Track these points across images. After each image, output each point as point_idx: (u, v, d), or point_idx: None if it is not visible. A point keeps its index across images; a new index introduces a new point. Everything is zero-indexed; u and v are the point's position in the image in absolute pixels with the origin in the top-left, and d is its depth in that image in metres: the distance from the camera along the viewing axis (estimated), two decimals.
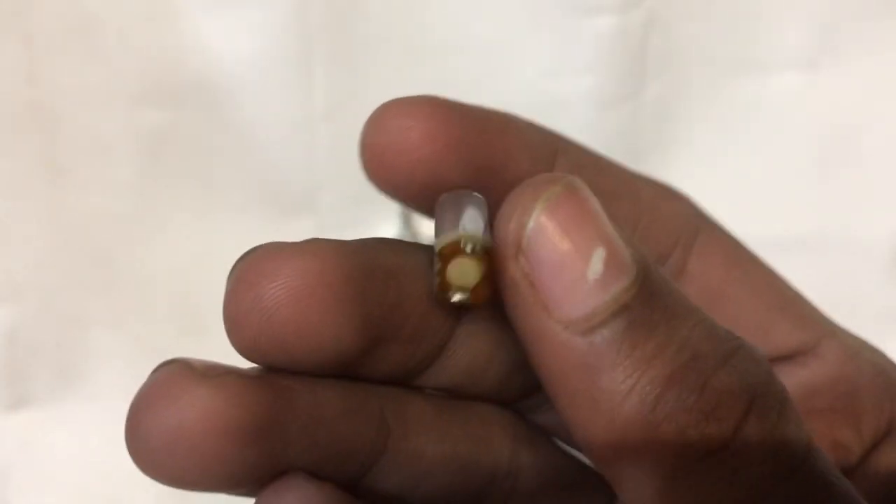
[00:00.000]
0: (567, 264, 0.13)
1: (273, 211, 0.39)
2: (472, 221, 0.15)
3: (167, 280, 0.39)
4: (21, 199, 0.38)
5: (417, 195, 0.17)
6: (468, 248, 0.14)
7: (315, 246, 0.14)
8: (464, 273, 0.14)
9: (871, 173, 0.40)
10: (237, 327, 0.14)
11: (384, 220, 0.39)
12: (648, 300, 0.13)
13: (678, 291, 0.14)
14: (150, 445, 0.13)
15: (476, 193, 0.16)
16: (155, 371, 0.14)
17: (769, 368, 0.14)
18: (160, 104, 0.38)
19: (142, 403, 0.14)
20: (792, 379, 0.19)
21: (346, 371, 0.15)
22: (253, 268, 0.14)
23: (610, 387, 0.13)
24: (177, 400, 0.13)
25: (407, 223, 0.40)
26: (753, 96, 0.40)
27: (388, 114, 0.16)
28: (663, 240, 0.19)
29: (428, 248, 0.16)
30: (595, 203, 0.14)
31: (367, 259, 0.15)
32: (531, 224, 0.14)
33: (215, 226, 0.39)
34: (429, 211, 0.17)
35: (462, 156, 0.16)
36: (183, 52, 0.37)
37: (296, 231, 0.41)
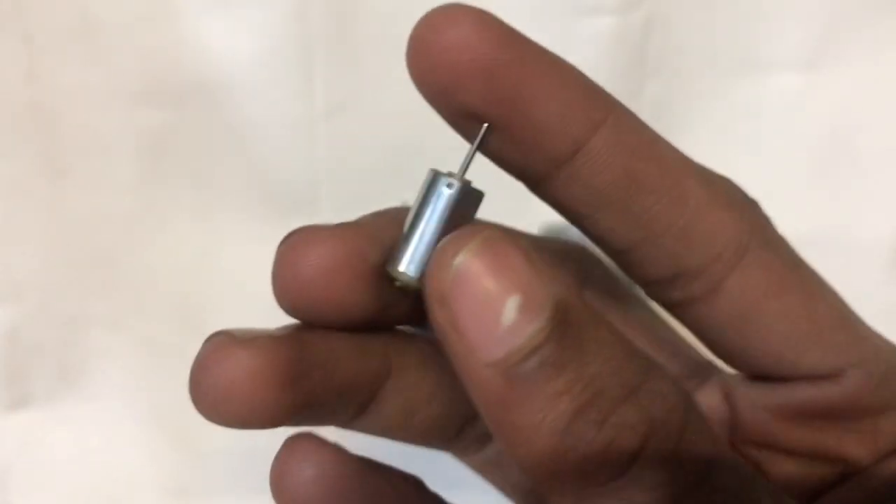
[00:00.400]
0: (483, 313, 0.15)
1: (273, 211, 0.39)
2: (423, 252, 0.17)
3: (167, 280, 0.39)
4: (21, 199, 0.38)
5: (444, 101, 0.18)
6: (398, 285, 0.18)
7: (342, 230, 0.18)
8: (402, 288, 0.18)
9: (871, 174, 0.40)
10: (281, 296, 0.18)
11: None
12: (561, 340, 0.15)
13: (600, 324, 0.16)
14: (207, 398, 0.17)
15: (456, 182, 0.17)
16: (205, 342, 0.18)
17: (676, 398, 0.16)
18: (160, 104, 0.38)
19: (198, 367, 0.17)
20: (809, 398, 0.20)
21: (364, 326, 0.19)
22: (292, 249, 0.18)
23: (525, 420, 0.15)
24: (223, 362, 0.17)
25: None
26: (753, 97, 0.40)
27: (442, 12, 0.17)
28: (700, 250, 0.18)
29: None
30: (513, 250, 0.16)
31: (383, 239, 0.18)
32: (451, 277, 0.16)
33: (215, 226, 0.39)
34: (450, 121, 0.18)
35: (491, 80, 0.17)
36: (183, 52, 0.37)
37: None
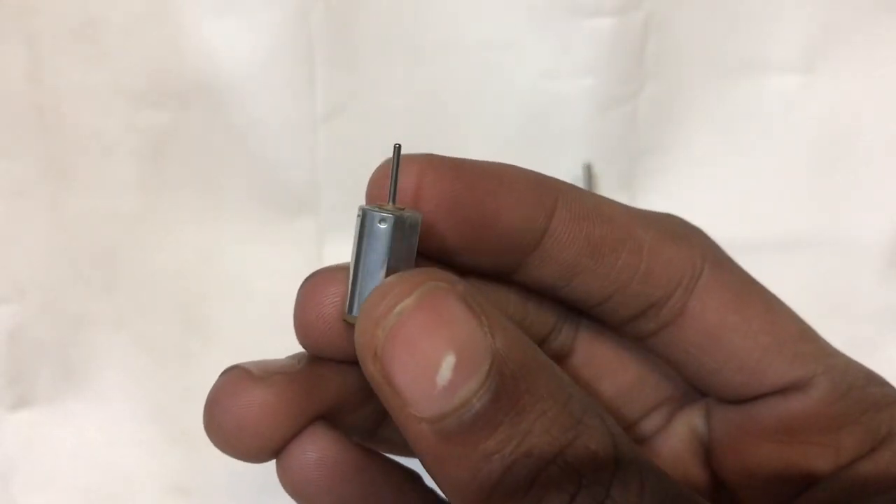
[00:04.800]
0: (418, 371, 0.15)
1: (274, 211, 0.40)
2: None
3: (169, 280, 0.39)
4: (24, 199, 0.38)
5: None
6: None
7: None
8: None
9: (868, 174, 0.40)
10: (305, 335, 0.18)
11: None
12: (496, 398, 0.15)
13: (538, 372, 0.16)
14: (221, 432, 0.18)
15: (389, 215, 0.17)
16: (221, 375, 0.18)
17: (606, 452, 0.15)
18: (162, 105, 0.38)
19: (212, 401, 0.18)
20: (778, 412, 0.20)
21: None
22: (316, 289, 0.18)
23: (458, 474, 0.15)
24: (238, 398, 0.18)
25: None
26: (751, 97, 0.40)
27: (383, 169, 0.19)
28: (663, 284, 0.20)
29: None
30: (452, 302, 0.15)
31: None
32: (383, 335, 0.15)
33: (216, 226, 0.39)
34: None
35: (453, 210, 0.18)
36: (185, 54, 0.37)
37: (297, 231, 0.41)
